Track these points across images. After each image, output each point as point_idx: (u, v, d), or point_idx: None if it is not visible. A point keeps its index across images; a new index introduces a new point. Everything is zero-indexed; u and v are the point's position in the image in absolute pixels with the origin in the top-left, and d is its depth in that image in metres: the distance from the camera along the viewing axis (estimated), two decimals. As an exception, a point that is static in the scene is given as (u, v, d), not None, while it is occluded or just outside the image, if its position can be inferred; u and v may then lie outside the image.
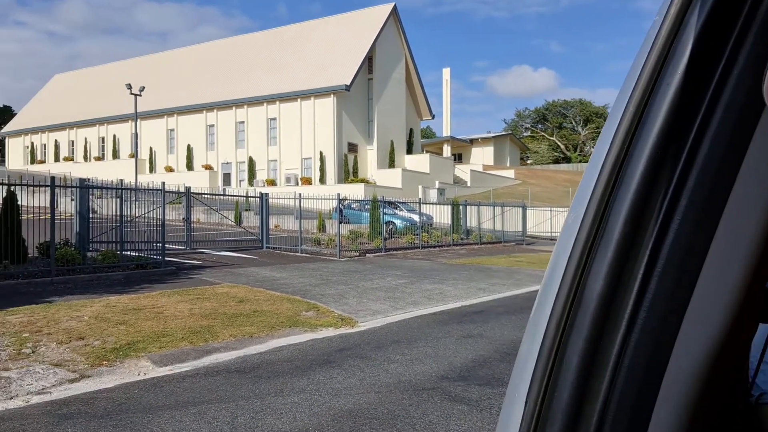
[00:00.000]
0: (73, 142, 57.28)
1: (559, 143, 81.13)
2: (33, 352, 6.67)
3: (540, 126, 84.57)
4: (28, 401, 5.20)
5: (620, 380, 0.60)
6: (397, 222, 25.18)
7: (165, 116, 50.24)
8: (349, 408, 4.84)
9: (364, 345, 7.32)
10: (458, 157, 61.15)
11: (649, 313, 0.59)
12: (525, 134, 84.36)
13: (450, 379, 5.75)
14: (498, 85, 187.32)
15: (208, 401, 5.07)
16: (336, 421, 4.52)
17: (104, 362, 6.40)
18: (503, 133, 72.24)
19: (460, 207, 26.98)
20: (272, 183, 42.91)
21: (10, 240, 11.41)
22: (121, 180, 16.02)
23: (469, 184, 48.30)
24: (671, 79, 0.59)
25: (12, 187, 11.79)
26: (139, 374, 6.07)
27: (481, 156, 63.74)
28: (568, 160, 77.85)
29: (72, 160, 56.10)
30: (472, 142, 65.27)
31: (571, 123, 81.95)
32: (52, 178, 11.88)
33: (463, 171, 51.37)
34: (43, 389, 5.55)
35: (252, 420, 4.57)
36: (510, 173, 56.94)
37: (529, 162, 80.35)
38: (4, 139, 65.06)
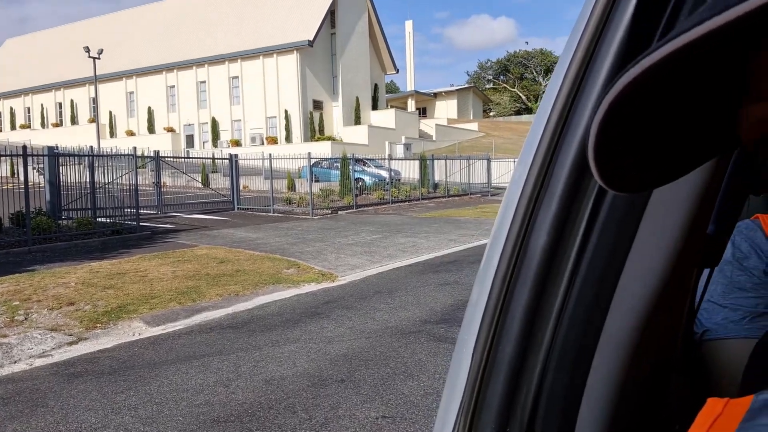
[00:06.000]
0: (29, 108, 55.28)
1: (520, 94, 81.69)
2: (26, 318, 6.84)
3: (502, 78, 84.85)
4: (31, 364, 5.43)
5: (562, 330, 0.61)
6: (366, 179, 25.45)
7: (124, 78, 48.79)
8: (343, 353, 5.23)
9: (347, 297, 7.70)
10: (423, 111, 61.22)
11: (590, 265, 0.60)
12: (487, 86, 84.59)
13: (432, 322, 6.19)
14: (458, 36, 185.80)
15: (208, 354, 5.39)
16: (333, 365, 4.91)
17: (98, 325, 6.62)
18: (466, 86, 72.32)
19: (428, 162, 27.35)
20: (237, 143, 42.45)
21: (-18, 211, 11.33)
22: (91, 147, 15.83)
23: (434, 139, 48.59)
24: (613, 37, 0.57)
25: (-20, 158, 11.62)
26: (134, 334, 6.32)
27: (446, 110, 63.90)
28: (529, 111, 78.59)
29: (29, 127, 54.27)
30: (435, 96, 65.27)
31: (533, 74, 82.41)
32: (24, 147, 11.73)
33: (428, 125, 51.55)
34: (43, 353, 5.77)
35: (254, 368, 4.92)
36: (474, 126, 57.35)
37: (491, 114, 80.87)
38: (-47, 107, 62.34)
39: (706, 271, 1.11)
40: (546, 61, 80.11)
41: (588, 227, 0.60)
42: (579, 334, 0.61)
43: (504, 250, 0.65)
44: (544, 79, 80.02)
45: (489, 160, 31.21)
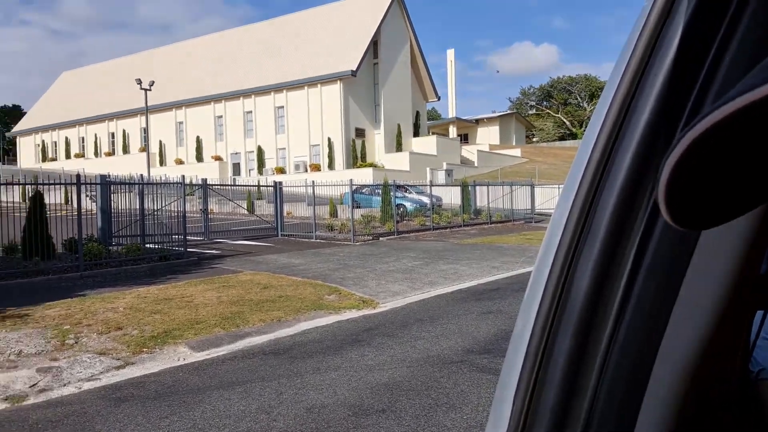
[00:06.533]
0: (83, 138, 57.81)
1: (564, 120, 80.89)
2: (76, 342, 7.03)
3: (545, 103, 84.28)
4: (80, 387, 5.56)
5: (608, 377, 0.59)
6: (408, 204, 25.47)
7: (173, 109, 50.57)
8: (384, 381, 5.18)
9: (388, 324, 7.65)
10: (464, 138, 61.17)
11: (636, 309, 0.58)
12: (530, 112, 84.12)
13: (475, 352, 6.08)
14: (500, 63, 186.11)
15: (250, 381, 5.41)
16: (374, 394, 4.86)
17: (145, 349, 6.75)
18: (508, 111, 72.10)
19: (469, 187, 27.22)
20: (281, 171, 43.24)
21: (39, 237, 11.80)
22: (141, 175, 16.37)
23: (476, 165, 48.41)
24: (659, 70, 0.56)
25: (39, 187, 12.15)
26: (179, 359, 6.41)
27: (487, 136, 63.73)
28: (574, 136, 77.68)
29: (83, 156, 56.64)
30: (477, 122, 65.23)
31: (577, 99, 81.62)
32: (78, 176, 12.23)
33: (469, 151, 51.45)
34: (92, 376, 5.90)
35: (296, 395, 4.91)
36: (516, 152, 56.95)
37: (535, 140, 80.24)
38: (15, 138, 65.68)
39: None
40: (591, 87, 79.32)
41: (633, 269, 0.58)
42: (625, 382, 0.58)
43: (545, 294, 0.63)
44: (588, 105, 79.12)
45: (532, 186, 30.85)
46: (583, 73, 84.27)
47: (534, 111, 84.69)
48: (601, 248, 0.59)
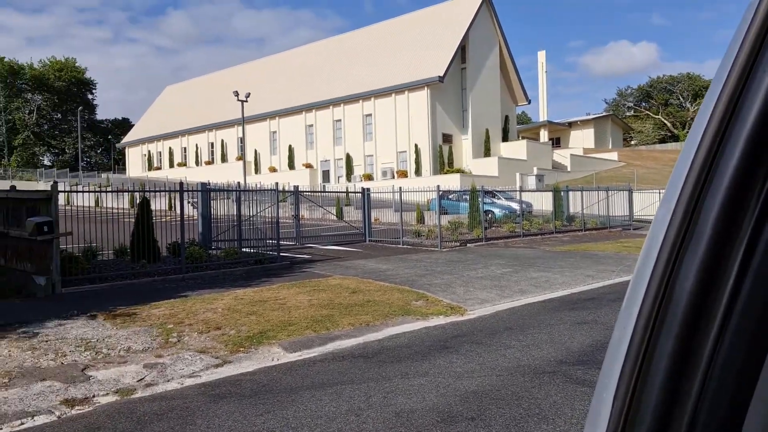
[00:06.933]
0: (185, 148, 61.54)
1: (665, 121, 76.75)
2: (179, 341, 7.45)
3: (644, 104, 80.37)
4: (182, 383, 5.87)
5: (713, 383, 0.57)
6: (496, 211, 25.06)
7: (267, 119, 52.74)
8: (473, 389, 5.11)
9: (476, 332, 7.55)
10: (556, 142, 59.50)
11: (743, 313, 0.56)
12: (628, 114, 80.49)
13: (569, 363, 5.87)
14: (594, 64, 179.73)
15: (340, 383, 5.51)
16: (463, 401, 4.80)
17: (241, 349, 7.04)
18: (604, 113, 69.35)
19: (561, 193, 26.38)
20: (369, 177, 43.89)
21: (146, 241, 12.63)
22: (238, 182, 17.15)
23: (569, 169, 46.91)
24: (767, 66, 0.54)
25: (146, 194, 13.01)
26: (272, 360, 6.63)
27: (581, 139, 61.61)
28: (675, 138, 73.48)
29: (185, 165, 60.25)
30: (570, 125, 63.23)
31: (678, 99, 77.24)
32: (181, 184, 13.00)
33: (562, 156, 49.96)
34: (193, 373, 6.22)
35: (384, 399, 4.94)
36: (613, 155, 54.66)
37: (633, 143, 76.65)
38: (124, 148, 70.90)
39: None
40: (694, 86, 74.89)
41: (740, 273, 0.56)
42: (730, 390, 0.56)
43: (647, 293, 0.62)
44: (692, 105, 74.67)
45: (631, 191, 29.42)
46: (686, 72, 79.71)
47: (632, 112, 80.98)
48: (707, 249, 0.58)
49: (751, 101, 0.56)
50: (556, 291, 10.52)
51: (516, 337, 7.15)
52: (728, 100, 0.58)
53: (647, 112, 79.13)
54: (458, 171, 40.87)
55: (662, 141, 74.65)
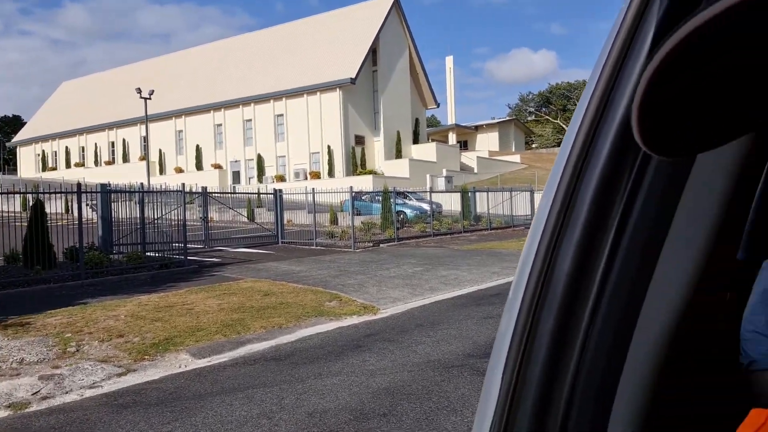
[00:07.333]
0: (83, 147, 57.95)
1: (563, 126, 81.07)
2: (78, 350, 7.04)
3: (544, 109, 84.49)
4: (82, 395, 5.57)
5: (589, 353, 0.61)
6: (408, 211, 25.51)
7: (173, 118, 50.72)
8: (385, 386, 5.19)
9: (389, 330, 7.67)
10: (464, 145, 61.26)
11: (615, 289, 0.61)
12: (529, 118, 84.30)
13: (476, 356, 6.10)
14: (497, 70, 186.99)
15: (252, 386, 5.43)
16: (375, 398, 4.88)
17: (146, 357, 6.76)
18: (507, 118, 72.25)
19: (469, 194, 27.26)
20: (281, 179, 43.32)
21: (40, 246, 11.83)
22: (141, 184, 16.42)
23: (476, 171, 48.46)
24: (633, 68, 0.58)
25: (39, 196, 12.19)
26: (180, 366, 6.42)
27: (487, 142, 63.79)
28: (573, 142, 77.68)
29: (83, 165, 56.75)
30: (477, 128, 65.32)
31: (575, 105, 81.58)
32: (78, 185, 12.28)
33: (469, 158, 51.52)
34: (94, 383, 5.91)
35: (297, 400, 4.93)
36: (516, 158, 57.00)
37: (534, 146, 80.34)
38: (15, 147, 65.83)
39: (754, 297, 1.11)
40: (588, 92, 79.40)
41: (612, 252, 0.61)
42: (605, 359, 0.61)
43: (530, 276, 0.66)
44: (586, 110, 79.23)
45: (532, 192, 30.88)
46: (582, 79, 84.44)
47: (533, 117, 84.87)
48: (582, 234, 0.62)
49: (618, 102, 0.59)
50: (464, 288, 10.86)
51: (427, 333, 7.34)
52: (599, 102, 0.62)
53: (547, 116, 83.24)
54: (371, 172, 41.18)
55: (560, 144, 78.55)
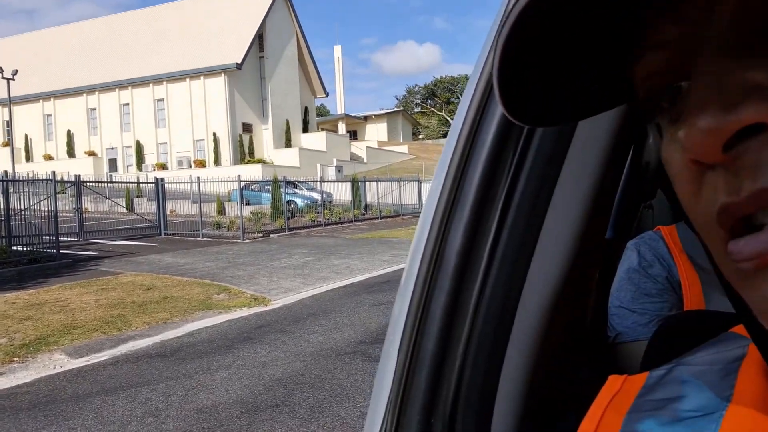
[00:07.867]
0: (-68, 131, 51.72)
1: (448, 118, 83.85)
2: (-68, 355, 6.37)
3: (430, 102, 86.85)
4: (-61, 404, 5.06)
5: (477, 327, 0.65)
6: (298, 201, 25.31)
7: (41, 101, 46.54)
8: (278, 377, 5.18)
9: (281, 321, 7.62)
10: (353, 134, 61.62)
11: (500, 265, 0.65)
12: (416, 110, 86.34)
13: (368, 342, 6.23)
14: (384, 62, 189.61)
15: (136, 385, 5.20)
16: (268, 390, 4.85)
17: (15, 359, 6.25)
18: (395, 109, 73.51)
19: (359, 183, 27.52)
20: (163, 167, 41.23)
21: None
22: (5, 171, 14.97)
23: (365, 161, 48.95)
24: None
25: None
26: (55, 367, 6.01)
27: (376, 132, 64.58)
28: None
29: (-70, 151, 50.68)
30: (366, 119, 65.91)
31: (458, 98, 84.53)
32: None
33: (359, 148, 51.91)
34: (-47, 391, 5.39)
35: (185, 397, 4.79)
36: (404, 149, 58.19)
37: (420, 137, 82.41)
38: None
39: (620, 276, 1.21)
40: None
41: (497, 231, 0.65)
42: (492, 330, 0.65)
43: (424, 254, 0.69)
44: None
45: (419, 182, 31.76)
46: (464, 74, 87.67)
47: (419, 109, 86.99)
48: (470, 213, 0.66)
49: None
50: (355, 276, 11.00)
51: (319, 322, 7.38)
52: (483, 89, 0.66)
53: (432, 109, 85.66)
54: (260, 161, 40.29)
55: (445, 136, 79.62)
